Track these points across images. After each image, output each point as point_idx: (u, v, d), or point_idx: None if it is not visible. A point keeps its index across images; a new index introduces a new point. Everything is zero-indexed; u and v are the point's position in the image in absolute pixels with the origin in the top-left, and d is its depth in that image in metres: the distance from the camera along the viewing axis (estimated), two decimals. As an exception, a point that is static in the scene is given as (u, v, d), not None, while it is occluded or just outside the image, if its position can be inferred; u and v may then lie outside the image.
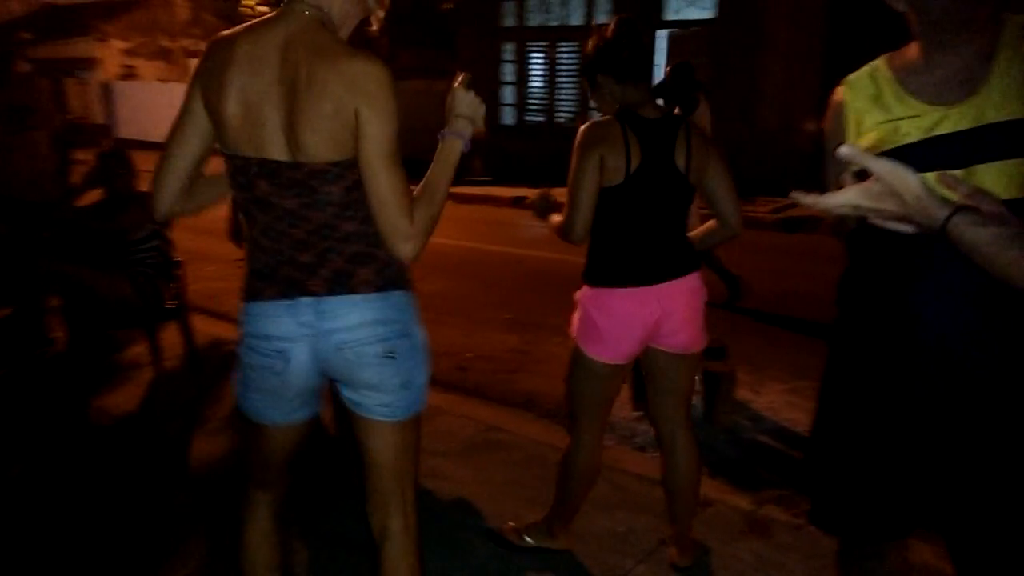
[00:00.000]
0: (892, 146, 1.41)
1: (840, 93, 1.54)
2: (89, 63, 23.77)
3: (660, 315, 2.21)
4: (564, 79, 13.54)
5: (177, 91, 21.59)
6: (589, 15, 12.96)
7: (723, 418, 3.62)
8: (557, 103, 13.73)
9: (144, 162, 4.94)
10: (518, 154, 12.90)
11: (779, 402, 3.95)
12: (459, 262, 7.14)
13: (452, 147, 1.72)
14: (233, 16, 23.54)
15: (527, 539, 2.60)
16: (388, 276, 1.66)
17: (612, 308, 2.20)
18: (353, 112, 1.52)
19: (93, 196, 4.07)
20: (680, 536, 2.50)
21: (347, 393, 1.71)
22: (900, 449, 1.51)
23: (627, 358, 2.28)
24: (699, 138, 2.22)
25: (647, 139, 2.14)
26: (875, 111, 1.45)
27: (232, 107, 1.55)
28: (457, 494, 2.94)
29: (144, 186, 4.10)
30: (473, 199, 11.07)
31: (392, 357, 1.65)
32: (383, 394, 1.67)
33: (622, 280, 2.19)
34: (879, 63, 1.49)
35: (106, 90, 23.53)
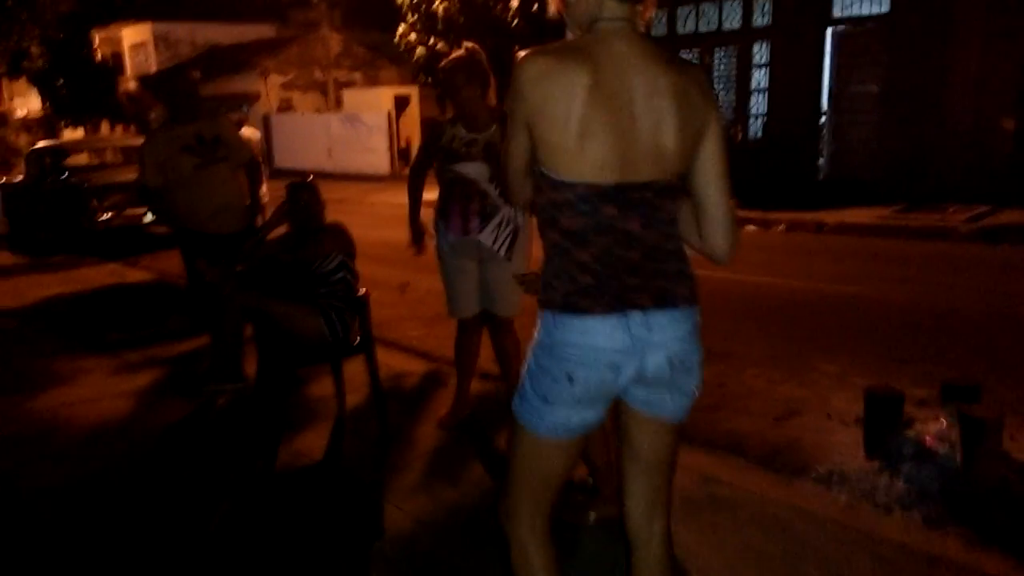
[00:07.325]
0: None
1: None
2: (251, 97, 25.35)
3: None
4: (719, 87, 12.93)
5: (328, 121, 22.59)
6: (747, 18, 12.33)
7: (987, 472, 3.05)
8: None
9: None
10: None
11: (1046, 450, 3.32)
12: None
13: None
14: (381, 46, 24.38)
15: None
16: (695, 291, 1.72)
17: None
18: (703, 121, 1.57)
19: (282, 228, 4.01)
20: None
21: (643, 395, 1.73)
22: None
23: None
24: None
25: None
26: None
27: (580, 135, 1.53)
28: (688, 565, 2.56)
29: (331, 217, 4.03)
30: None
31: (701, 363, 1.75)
32: (682, 396, 1.75)
33: None
34: None
35: (265, 122, 25.02)
